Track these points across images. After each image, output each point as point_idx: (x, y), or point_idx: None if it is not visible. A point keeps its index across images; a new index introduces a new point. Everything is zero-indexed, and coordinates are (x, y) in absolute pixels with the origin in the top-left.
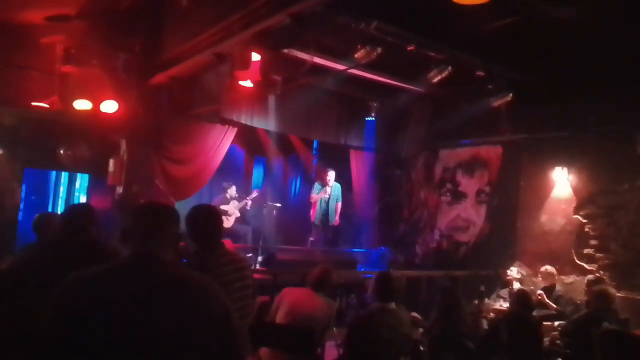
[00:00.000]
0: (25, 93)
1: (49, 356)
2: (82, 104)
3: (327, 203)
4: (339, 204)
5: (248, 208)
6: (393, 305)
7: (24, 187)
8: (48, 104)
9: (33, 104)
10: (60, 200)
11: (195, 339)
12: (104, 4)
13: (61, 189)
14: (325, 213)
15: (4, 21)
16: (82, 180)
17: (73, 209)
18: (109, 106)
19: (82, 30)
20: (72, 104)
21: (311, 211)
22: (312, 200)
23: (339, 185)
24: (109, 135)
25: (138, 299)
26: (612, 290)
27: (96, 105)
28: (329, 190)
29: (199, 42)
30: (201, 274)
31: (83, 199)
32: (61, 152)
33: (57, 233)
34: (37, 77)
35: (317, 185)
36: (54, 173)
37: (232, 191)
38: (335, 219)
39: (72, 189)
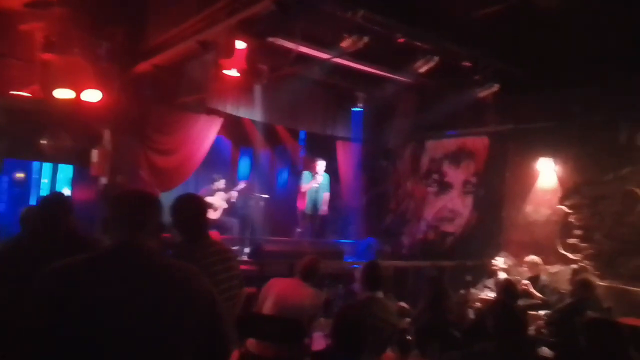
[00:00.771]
0: (4, 82)
1: (30, 347)
2: (64, 93)
3: (317, 193)
4: (327, 195)
5: (234, 200)
6: (380, 294)
7: (5, 178)
8: (29, 93)
9: (13, 93)
10: (43, 191)
11: (180, 328)
12: None
13: (45, 180)
14: (315, 203)
15: None
16: (65, 171)
17: (46, 200)
18: (92, 95)
19: (63, 17)
20: (53, 93)
21: (299, 201)
22: (303, 190)
23: (327, 176)
24: (92, 125)
25: (121, 288)
26: (593, 279)
27: (78, 94)
28: (319, 179)
29: (183, 30)
30: (184, 262)
31: (66, 191)
32: (43, 142)
33: (35, 225)
34: (17, 65)
35: (307, 175)
36: (36, 164)
37: (220, 184)
38: (324, 209)
39: (55, 180)
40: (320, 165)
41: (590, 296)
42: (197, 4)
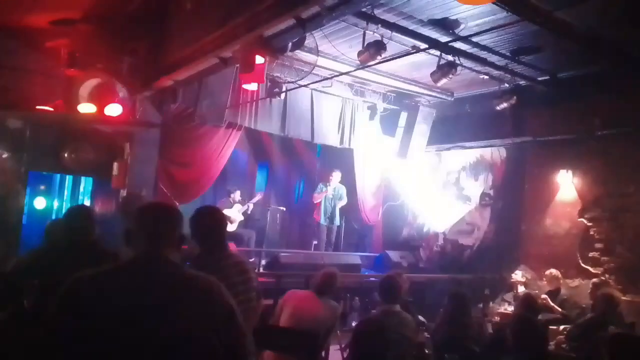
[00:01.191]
0: (29, 96)
1: (53, 356)
2: (86, 108)
3: (332, 204)
4: (343, 202)
5: (249, 212)
6: (397, 307)
7: (28, 190)
8: (52, 108)
9: (38, 107)
10: (64, 203)
11: (200, 338)
12: (108, 8)
13: (65, 192)
14: (331, 214)
15: (9, 25)
16: (86, 184)
17: (73, 211)
18: (114, 110)
19: (86, 34)
20: (76, 107)
21: (315, 213)
22: (315, 201)
23: (343, 187)
24: (113, 139)
25: (144, 298)
26: (617, 294)
27: (100, 108)
28: (329, 190)
29: (203, 46)
30: (205, 274)
31: (87, 203)
32: (65, 155)
33: (60, 236)
34: (42, 80)
35: (320, 186)
36: (58, 176)
37: (236, 195)
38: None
39: (76, 193)
40: (336, 176)
41: (612, 311)
42: (218, 20)
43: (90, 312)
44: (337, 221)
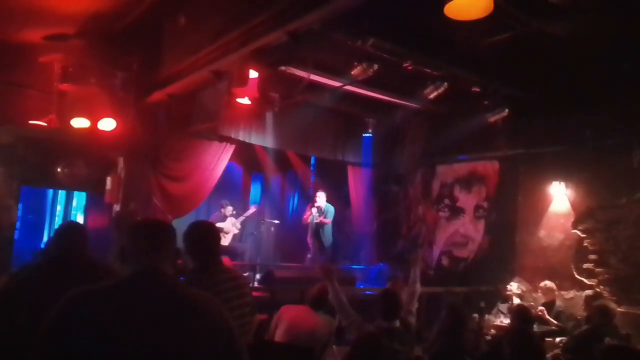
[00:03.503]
0: (22, 111)
1: None
2: (79, 122)
3: (319, 225)
4: (327, 221)
5: (239, 225)
6: (397, 323)
7: (20, 205)
8: (46, 122)
9: (31, 122)
10: (57, 219)
11: (199, 357)
12: (102, 23)
13: (58, 207)
14: (319, 235)
15: (2, 40)
16: (79, 199)
17: (64, 228)
18: (107, 124)
19: (80, 48)
20: (69, 122)
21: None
22: (304, 221)
23: (331, 207)
24: (106, 153)
25: (142, 316)
26: (613, 306)
27: (94, 123)
28: (314, 211)
29: (196, 60)
30: (203, 292)
31: (80, 218)
32: (59, 170)
33: (51, 252)
34: (35, 95)
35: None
36: (51, 191)
37: (228, 209)
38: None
39: (69, 208)
40: (320, 196)
41: (608, 322)
42: (211, 35)
43: (86, 331)
44: (326, 241)
